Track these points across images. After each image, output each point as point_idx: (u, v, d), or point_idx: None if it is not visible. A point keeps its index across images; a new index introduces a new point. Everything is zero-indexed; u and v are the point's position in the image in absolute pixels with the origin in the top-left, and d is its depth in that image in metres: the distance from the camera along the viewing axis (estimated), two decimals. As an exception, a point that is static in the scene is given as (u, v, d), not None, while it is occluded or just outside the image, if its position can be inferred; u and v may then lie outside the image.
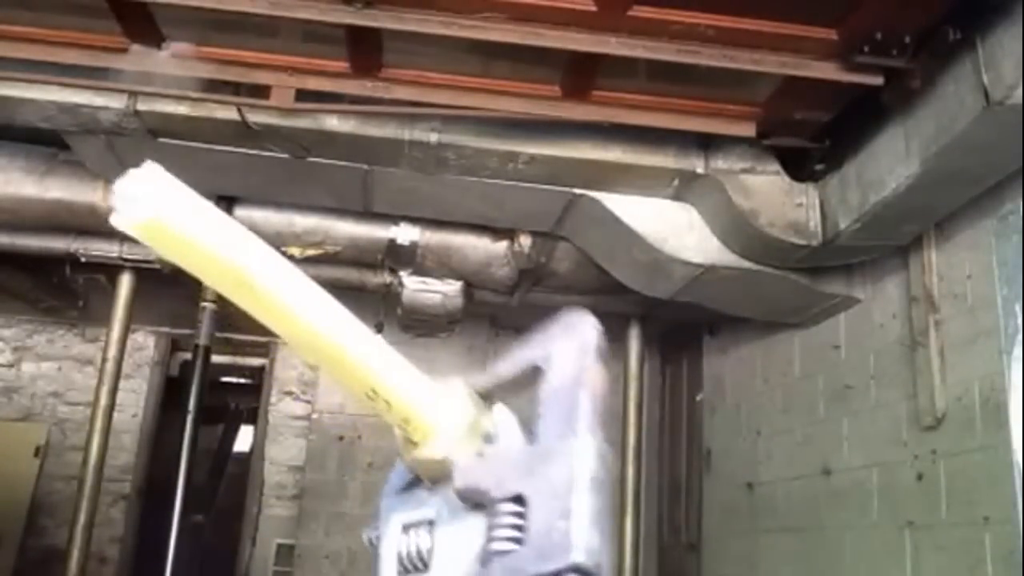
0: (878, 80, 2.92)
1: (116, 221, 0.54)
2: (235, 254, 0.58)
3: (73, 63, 3.23)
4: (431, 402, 0.66)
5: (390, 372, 0.65)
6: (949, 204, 3.28)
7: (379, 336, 0.66)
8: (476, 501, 0.61)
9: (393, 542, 0.66)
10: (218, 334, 5.37)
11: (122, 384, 5.46)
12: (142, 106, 3.44)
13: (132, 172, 0.54)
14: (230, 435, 9.79)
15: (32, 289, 5.87)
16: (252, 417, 8.24)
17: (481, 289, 5.03)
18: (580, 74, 3.17)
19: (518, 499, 0.57)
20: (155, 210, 0.54)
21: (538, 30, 2.88)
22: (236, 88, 3.41)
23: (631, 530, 5.45)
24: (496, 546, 0.56)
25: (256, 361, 7.56)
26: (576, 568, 0.51)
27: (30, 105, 3.48)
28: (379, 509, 0.68)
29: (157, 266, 5.01)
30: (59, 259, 5.08)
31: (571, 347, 0.64)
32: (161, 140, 3.60)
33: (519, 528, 0.55)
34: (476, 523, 0.60)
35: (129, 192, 0.54)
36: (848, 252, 3.74)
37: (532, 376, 0.66)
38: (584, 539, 0.52)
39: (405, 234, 4.55)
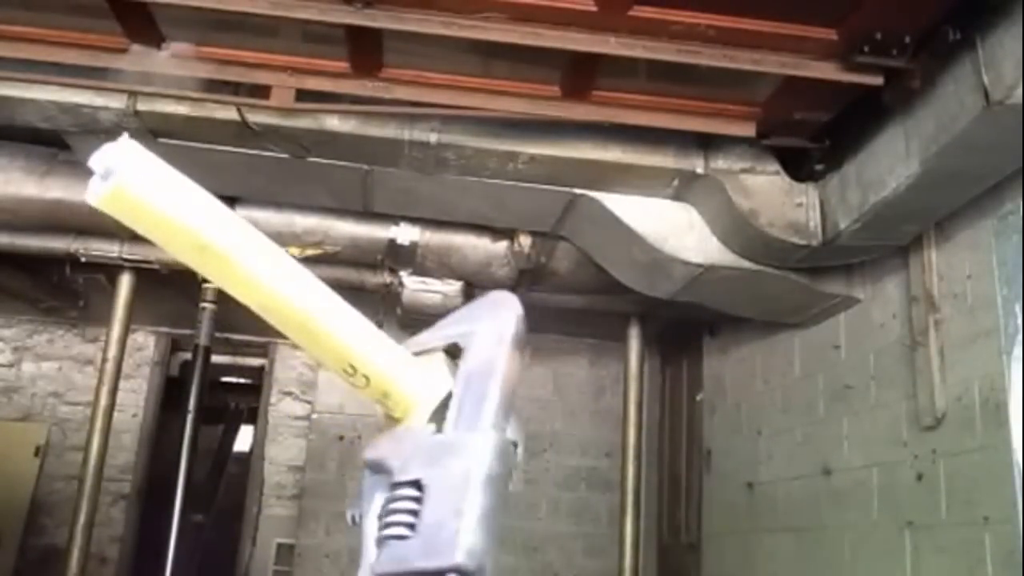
0: (878, 80, 2.92)
1: (88, 197, 0.54)
2: (203, 223, 0.58)
3: (73, 63, 3.23)
4: (411, 377, 0.66)
5: (368, 346, 0.65)
6: (949, 204, 3.28)
7: (356, 310, 0.66)
8: (380, 473, 0.62)
9: (375, 520, 0.67)
10: (218, 334, 5.38)
11: (122, 384, 5.46)
12: (142, 106, 3.44)
13: (105, 147, 0.54)
14: (230, 435, 9.79)
15: (32, 289, 5.87)
16: (252, 417, 8.24)
17: (481, 289, 5.03)
18: (580, 74, 3.17)
19: (417, 485, 0.58)
20: (119, 180, 0.53)
21: (538, 30, 2.88)
22: (236, 88, 3.41)
23: (631, 530, 5.45)
24: (389, 530, 0.57)
25: (256, 361, 7.55)
26: (458, 569, 0.53)
27: (30, 105, 3.48)
28: (362, 487, 0.68)
29: (157, 266, 5.02)
30: (59, 259, 5.08)
31: (490, 331, 0.65)
32: (161, 140, 3.60)
33: (414, 514, 0.57)
34: None
35: (100, 166, 0.54)
36: (848, 252, 3.74)
37: (453, 351, 0.67)
38: (470, 541, 0.53)
39: (405, 234, 4.55)
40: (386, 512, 0.58)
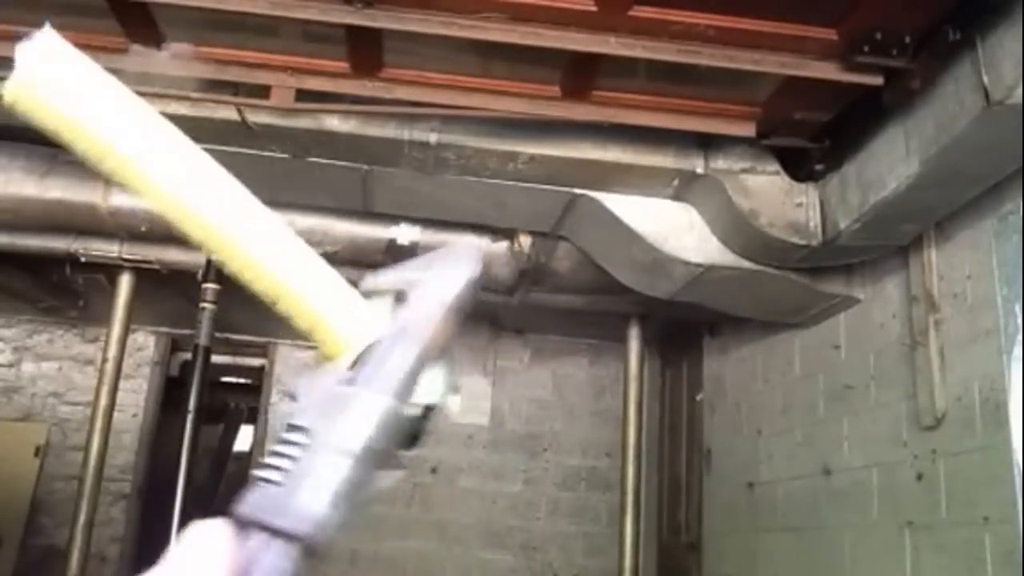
0: (878, 80, 2.92)
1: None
2: (104, 127, 0.56)
3: (73, 63, 3.23)
4: (346, 316, 0.62)
5: (296, 273, 0.61)
6: (949, 204, 3.28)
7: (292, 232, 0.62)
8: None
9: None
10: (218, 334, 5.38)
11: (122, 384, 5.46)
12: (142, 106, 3.44)
13: (27, 41, 0.53)
14: (230, 435, 9.79)
15: (32, 289, 5.86)
16: (252, 417, 8.23)
17: (481, 289, 5.02)
18: (580, 74, 3.17)
19: (306, 431, 0.55)
20: (17, 76, 0.53)
21: (538, 30, 2.88)
22: (236, 88, 3.41)
23: (631, 530, 5.45)
24: (261, 471, 0.55)
25: (256, 361, 7.55)
26: (299, 538, 0.52)
27: (30, 105, 3.47)
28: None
29: (157, 266, 5.02)
30: (59, 259, 5.08)
31: (435, 286, 0.61)
32: (161, 140, 3.60)
33: (293, 460, 0.54)
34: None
35: (22, 59, 0.53)
36: (848, 252, 3.74)
37: (401, 297, 0.64)
38: (320, 513, 0.52)
39: (405, 234, 4.55)
40: (269, 452, 0.56)
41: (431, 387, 0.60)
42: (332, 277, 0.63)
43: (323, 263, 0.62)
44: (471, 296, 0.62)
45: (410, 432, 0.59)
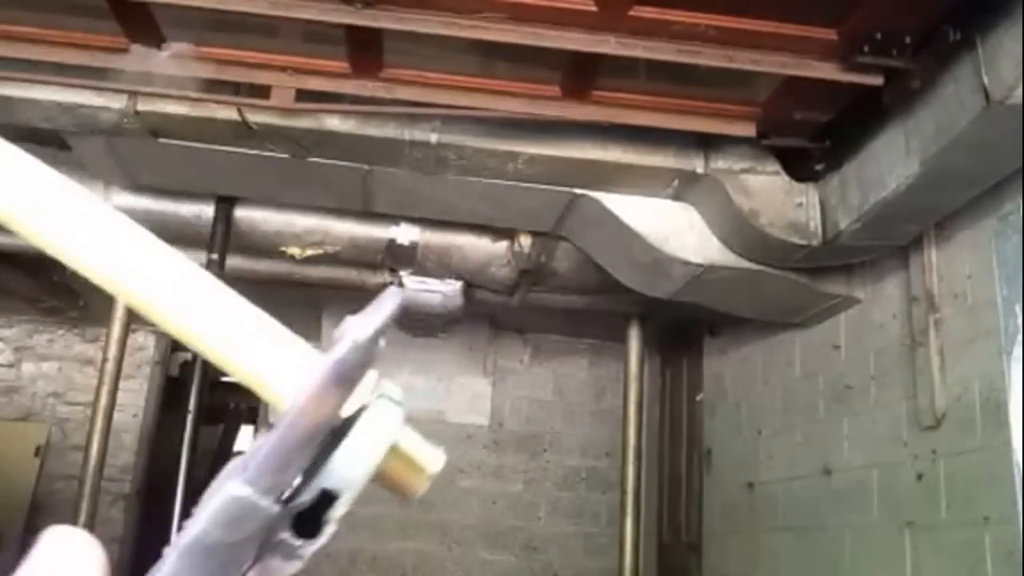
0: (878, 80, 2.92)
1: None
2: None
3: (73, 63, 3.23)
4: (277, 369, 0.54)
5: (222, 333, 0.53)
6: (949, 204, 3.28)
7: (208, 275, 0.54)
8: None
9: None
10: (218, 334, 5.37)
11: (122, 384, 5.45)
12: (142, 106, 3.44)
13: None
14: (230, 435, 9.78)
15: (32, 289, 5.86)
16: (252, 417, 8.23)
17: (481, 289, 5.03)
18: (580, 74, 3.17)
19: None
20: None
21: (538, 30, 2.88)
22: (236, 88, 3.41)
23: (631, 530, 5.44)
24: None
25: (256, 361, 7.55)
26: None
27: (30, 105, 3.47)
28: None
29: (157, 266, 5.01)
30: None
31: (328, 352, 0.52)
32: (161, 140, 3.60)
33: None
34: None
35: None
36: (848, 252, 3.74)
37: None
38: None
39: (405, 234, 4.55)
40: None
41: (339, 470, 0.51)
42: (271, 337, 0.55)
43: (263, 317, 0.54)
44: (361, 358, 0.51)
45: (308, 519, 0.50)
